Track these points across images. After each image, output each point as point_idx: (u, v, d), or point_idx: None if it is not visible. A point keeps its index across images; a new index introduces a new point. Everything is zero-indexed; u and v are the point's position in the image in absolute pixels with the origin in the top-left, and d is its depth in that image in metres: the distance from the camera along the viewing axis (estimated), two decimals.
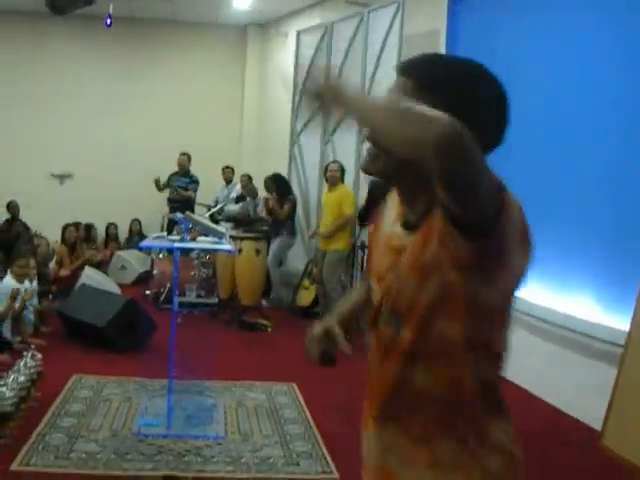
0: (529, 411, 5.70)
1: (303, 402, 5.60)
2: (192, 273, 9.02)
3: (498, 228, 1.35)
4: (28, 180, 11.92)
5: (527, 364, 6.12)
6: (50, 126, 12.32)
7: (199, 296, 9.00)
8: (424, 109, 1.30)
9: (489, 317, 1.49)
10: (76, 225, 9.86)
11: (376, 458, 1.78)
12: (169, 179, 10.75)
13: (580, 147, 5.71)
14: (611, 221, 5.36)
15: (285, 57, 11.23)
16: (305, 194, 10.26)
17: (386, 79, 8.31)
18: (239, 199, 10.21)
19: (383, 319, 1.65)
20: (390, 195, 1.78)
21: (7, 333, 6.45)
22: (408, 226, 1.59)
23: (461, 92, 1.49)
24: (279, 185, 9.35)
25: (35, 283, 7.23)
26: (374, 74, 8.68)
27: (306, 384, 6.02)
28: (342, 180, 8.52)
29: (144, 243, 5.60)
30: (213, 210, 9.78)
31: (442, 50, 7.76)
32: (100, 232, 12.01)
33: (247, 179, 10.43)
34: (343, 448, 4.68)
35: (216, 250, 7.37)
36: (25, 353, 5.12)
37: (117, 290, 8.78)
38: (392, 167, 1.55)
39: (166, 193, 10.82)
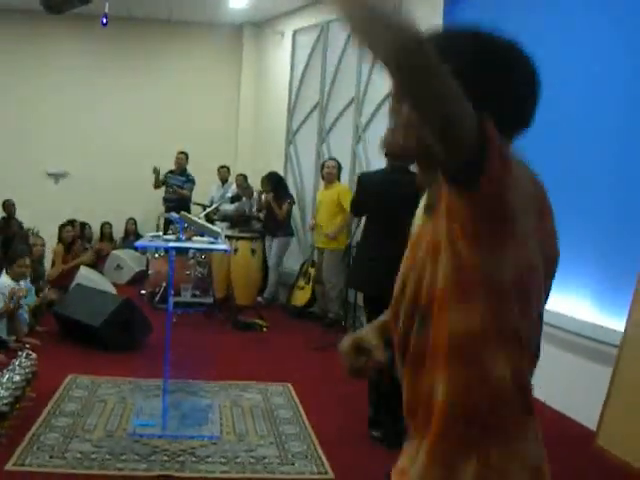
0: None
1: (298, 402, 5.60)
2: (187, 273, 9.01)
3: (490, 177, 1.21)
4: (23, 179, 11.89)
5: None
6: (45, 125, 12.29)
7: (194, 296, 8.99)
8: (395, 16, 1.14)
9: (507, 298, 1.32)
10: (72, 223, 9.83)
11: (402, 462, 1.56)
12: (166, 177, 10.74)
13: (577, 147, 5.71)
14: (606, 221, 5.37)
15: (281, 57, 11.23)
16: (301, 193, 10.27)
17: (382, 79, 8.31)
18: (235, 199, 10.21)
19: (401, 315, 1.50)
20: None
21: (2, 332, 6.44)
22: (428, 210, 1.50)
23: (492, 66, 1.39)
24: (276, 184, 9.35)
25: (29, 281, 7.22)
26: (370, 74, 8.68)
27: (301, 384, 6.02)
28: (338, 178, 8.53)
29: (140, 243, 5.59)
30: (209, 210, 9.76)
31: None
32: (95, 231, 12.00)
33: (243, 179, 10.43)
34: (338, 448, 4.69)
35: (212, 250, 7.37)
36: (20, 353, 5.12)
37: (112, 290, 8.78)
38: (410, 147, 1.44)
39: (161, 192, 10.81)
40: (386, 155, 1.56)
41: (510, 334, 1.34)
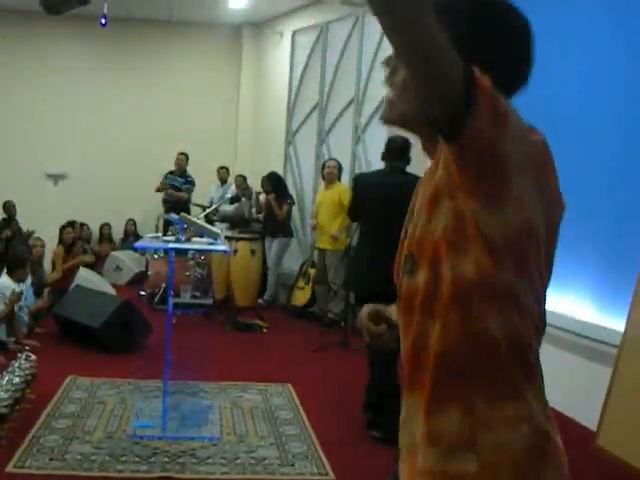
0: None
1: (299, 403, 5.59)
2: (187, 274, 9.00)
3: (479, 128, 1.18)
4: (22, 180, 11.89)
5: None
6: (44, 126, 12.29)
7: (194, 297, 8.98)
8: None
9: (504, 254, 1.29)
10: (72, 224, 9.83)
11: (402, 429, 1.52)
12: (165, 178, 10.74)
13: (577, 147, 5.70)
14: (606, 222, 5.37)
15: (280, 57, 11.23)
16: (300, 194, 10.27)
17: (382, 79, 8.30)
18: (234, 199, 10.21)
19: (403, 270, 1.49)
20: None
21: (2, 334, 6.44)
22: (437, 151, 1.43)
23: (490, 24, 1.40)
24: (275, 184, 9.35)
25: (29, 283, 7.22)
26: (369, 74, 8.68)
27: (301, 384, 6.02)
28: (339, 178, 8.52)
29: (139, 244, 5.59)
30: (208, 211, 9.75)
31: None
32: (94, 232, 11.99)
33: (242, 179, 10.42)
34: (339, 449, 4.69)
35: (211, 251, 7.37)
36: (19, 354, 5.11)
37: (112, 291, 8.78)
38: (408, 113, 1.44)
39: (161, 193, 10.81)
40: (385, 123, 1.54)
41: (505, 293, 1.32)
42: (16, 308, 6.58)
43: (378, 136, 7.20)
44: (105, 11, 9.19)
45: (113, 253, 11.22)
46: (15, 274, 6.80)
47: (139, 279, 10.42)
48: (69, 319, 6.98)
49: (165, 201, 10.64)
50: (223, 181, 11.11)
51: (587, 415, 5.04)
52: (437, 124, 1.23)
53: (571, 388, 5.57)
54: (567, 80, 5.89)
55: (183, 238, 5.32)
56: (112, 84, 12.45)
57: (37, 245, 8.51)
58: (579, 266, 5.58)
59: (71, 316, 6.97)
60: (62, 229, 9.43)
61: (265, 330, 8.17)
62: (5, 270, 6.87)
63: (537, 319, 1.40)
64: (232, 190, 10.59)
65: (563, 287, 5.77)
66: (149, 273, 9.33)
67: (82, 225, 11.30)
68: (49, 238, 9.15)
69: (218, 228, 7.29)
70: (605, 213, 5.38)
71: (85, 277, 8.76)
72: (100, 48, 12.29)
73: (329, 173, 8.44)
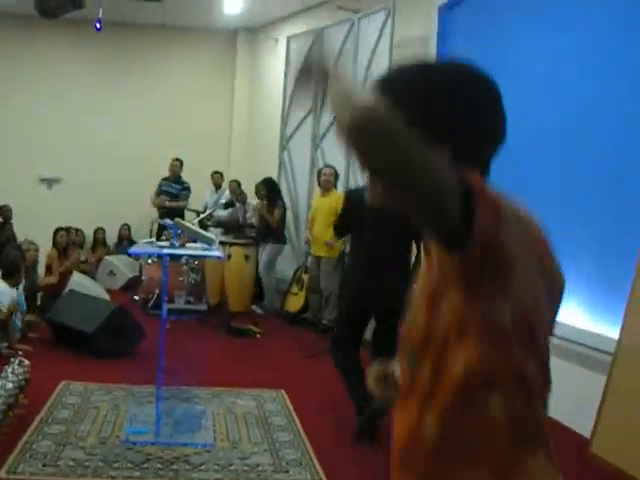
0: None
1: (292, 409, 5.58)
2: (181, 279, 9.00)
3: (481, 233, 1.19)
4: (16, 184, 11.87)
5: None
6: (38, 130, 12.28)
7: (188, 302, 8.98)
8: (363, 99, 1.17)
9: (508, 340, 1.29)
10: (67, 229, 9.81)
11: None
12: (160, 185, 10.72)
13: (571, 154, 5.72)
14: (600, 228, 5.37)
15: (275, 63, 11.24)
16: (294, 200, 10.26)
17: None
18: (228, 205, 10.20)
19: (404, 357, 1.49)
20: None
21: None
22: (427, 251, 1.42)
23: (443, 97, 1.36)
24: (270, 190, 9.35)
25: (22, 288, 7.19)
26: (365, 80, 8.68)
27: (295, 390, 6.01)
28: (335, 185, 8.50)
29: (133, 249, 5.59)
30: (202, 216, 9.74)
31: (433, 55, 7.77)
32: (88, 237, 11.97)
33: (236, 185, 10.43)
34: (333, 455, 4.68)
35: (205, 256, 7.36)
36: (12, 360, 5.09)
37: (105, 296, 8.75)
38: (393, 204, 1.36)
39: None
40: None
41: (511, 375, 1.31)
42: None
43: None
44: (100, 15, 9.21)
45: (107, 258, 11.21)
46: (10, 279, 6.78)
47: (133, 284, 10.40)
48: (62, 324, 6.96)
49: (159, 206, 10.61)
50: (217, 186, 11.10)
51: (581, 422, 5.04)
52: (437, 236, 1.24)
53: (565, 395, 5.56)
54: (565, 84, 5.90)
55: (177, 243, 5.31)
56: (107, 88, 12.45)
57: (31, 249, 8.49)
58: (573, 273, 5.56)
59: (64, 321, 6.95)
60: (55, 232, 9.41)
61: (259, 336, 8.17)
62: (0, 275, 6.85)
63: (543, 388, 1.40)
64: (226, 195, 10.58)
65: None
66: (143, 278, 9.32)
67: (76, 230, 11.28)
68: (42, 242, 9.13)
69: (212, 233, 7.28)
70: (600, 219, 5.38)
71: (79, 282, 8.73)
72: (96, 53, 12.30)
73: (325, 181, 8.41)
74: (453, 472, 1.33)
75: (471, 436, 1.32)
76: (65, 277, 8.93)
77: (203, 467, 4.36)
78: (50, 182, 12.55)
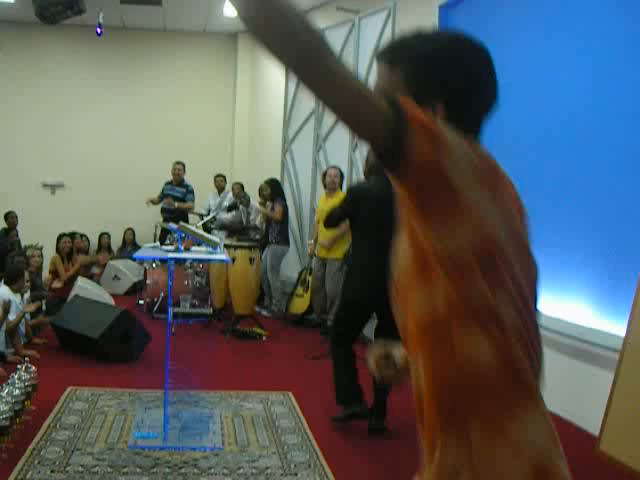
0: None
1: (300, 411, 5.58)
2: (186, 282, 9.00)
3: (419, 155, 1.22)
4: (19, 190, 11.90)
5: None
6: (41, 135, 12.30)
7: (193, 306, 8.98)
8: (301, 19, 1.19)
9: (471, 273, 1.29)
10: (71, 235, 9.83)
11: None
12: (163, 189, 10.73)
13: (574, 149, 5.71)
14: (605, 224, 5.36)
15: (276, 64, 11.21)
16: (298, 202, 10.25)
17: None
18: (231, 207, 10.20)
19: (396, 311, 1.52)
20: None
21: (1, 345, 6.42)
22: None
23: (441, 63, 1.44)
24: (273, 189, 9.37)
25: (28, 294, 7.20)
26: (366, 80, 8.66)
27: (302, 392, 6.01)
28: (340, 186, 8.48)
29: (138, 254, 5.57)
30: (206, 219, 9.77)
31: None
32: (93, 242, 11.98)
33: (239, 187, 10.42)
34: (341, 457, 4.67)
35: (211, 260, 7.35)
36: (19, 366, 5.09)
37: (110, 301, 8.75)
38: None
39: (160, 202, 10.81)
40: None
41: (483, 311, 1.31)
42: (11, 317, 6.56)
43: None
44: (101, 20, 9.22)
45: (111, 262, 11.21)
46: (14, 285, 6.78)
47: (138, 288, 10.41)
48: (68, 330, 6.95)
49: (164, 210, 10.62)
50: (220, 189, 11.09)
51: (589, 420, 5.04)
52: (385, 162, 1.27)
53: (573, 393, 5.56)
54: (562, 83, 5.89)
55: (182, 247, 5.31)
56: (109, 93, 12.47)
57: (35, 256, 8.50)
58: (578, 270, 5.58)
59: (70, 326, 6.95)
60: (59, 238, 9.43)
61: (265, 338, 8.16)
62: (3, 281, 6.86)
63: (524, 332, 1.36)
64: (229, 198, 10.58)
65: (562, 291, 5.76)
66: (147, 282, 9.31)
67: (81, 236, 11.29)
68: (46, 248, 9.14)
69: (217, 236, 7.28)
70: (604, 215, 5.37)
71: (83, 287, 8.74)
72: (96, 57, 12.33)
73: (331, 182, 8.37)
74: (449, 424, 1.35)
75: (459, 385, 1.33)
76: (70, 283, 8.95)
77: (212, 471, 4.35)
78: (53, 187, 12.56)
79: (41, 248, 8.94)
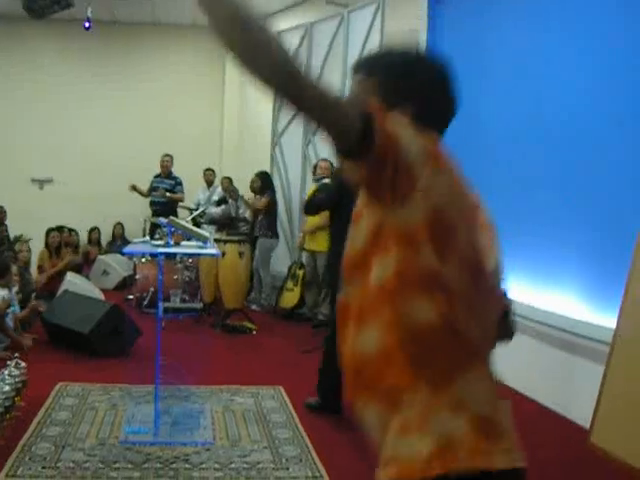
0: (515, 409, 5.69)
1: (291, 405, 5.58)
2: (175, 277, 8.98)
3: (379, 146, 1.37)
4: (7, 185, 11.83)
5: (511, 362, 6.13)
6: (29, 130, 12.25)
7: (184, 301, 8.96)
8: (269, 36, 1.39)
9: (422, 243, 1.45)
10: (59, 229, 9.78)
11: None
12: (152, 182, 10.71)
13: (565, 144, 5.71)
14: (596, 218, 5.37)
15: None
16: (287, 195, 10.24)
17: None
18: (221, 202, 10.19)
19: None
20: None
21: None
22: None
23: (399, 75, 1.67)
24: (263, 182, 9.35)
25: (15, 289, 7.17)
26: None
27: (293, 387, 6.01)
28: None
29: (127, 249, 5.55)
30: (195, 214, 9.75)
31: (423, 49, 7.76)
32: (82, 236, 11.93)
33: (228, 181, 10.40)
34: (332, 451, 4.67)
35: (201, 254, 7.34)
36: (9, 362, 5.06)
37: (100, 295, 8.72)
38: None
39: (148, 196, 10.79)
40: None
41: (430, 278, 1.46)
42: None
43: None
44: (89, 15, 9.18)
45: (100, 257, 11.17)
46: (1, 279, 6.75)
47: (127, 283, 10.39)
48: (58, 325, 6.92)
49: (153, 203, 10.60)
50: (209, 183, 11.08)
51: (580, 412, 5.05)
52: (349, 154, 1.42)
53: (563, 385, 5.58)
54: (552, 78, 5.89)
55: (172, 242, 5.29)
56: (97, 87, 12.42)
57: (23, 250, 8.46)
58: (568, 263, 5.59)
59: (60, 322, 6.92)
60: (48, 233, 9.39)
61: (254, 332, 8.16)
62: None
63: (474, 298, 1.53)
64: (219, 192, 10.57)
65: (552, 284, 5.78)
66: (137, 277, 9.28)
67: (70, 231, 11.24)
68: (35, 243, 9.10)
69: (206, 231, 7.26)
70: (595, 208, 5.38)
71: (73, 282, 8.70)
72: (85, 51, 12.27)
73: (322, 174, 8.35)
74: (397, 383, 1.50)
75: (409, 346, 1.48)
76: (59, 277, 8.91)
77: (203, 466, 4.34)
78: (42, 183, 12.52)
79: (28, 241, 8.89)
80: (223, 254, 8.25)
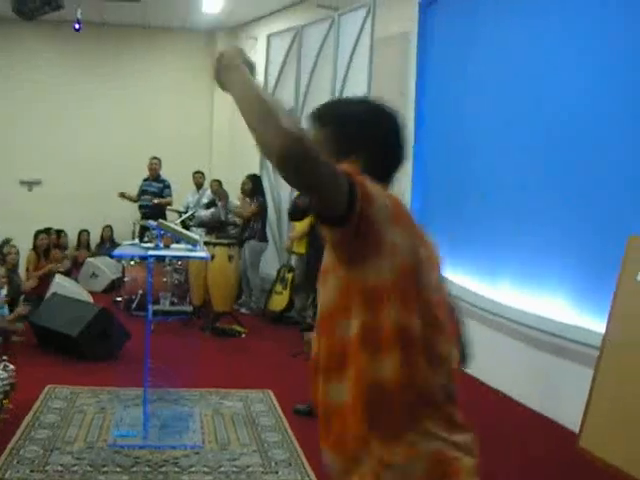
0: (504, 413, 5.71)
1: (280, 409, 5.57)
2: (164, 280, 8.95)
3: (357, 214, 1.47)
4: None
5: (501, 367, 6.15)
6: (18, 132, 12.19)
7: (173, 303, 8.94)
8: (283, 114, 1.45)
9: (386, 299, 1.55)
10: (47, 231, 9.74)
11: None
12: (141, 186, 10.70)
13: (554, 148, 5.72)
14: (585, 221, 5.38)
15: (255, 61, 11.16)
16: (277, 198, 10.24)
17: (357, 83, 8.30)
18: (210, 204, 10.17)
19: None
20: None
21: None
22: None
23: (353, 125, 1.77)
24: (254, 185, 9.34)
25: (4, 291, 7.14)
26: (345, 78, 8.67)
27: (282, 390, 6.00)
28: None
29: (117, 251, 5.53)
30: (185, 216, 9.72)
31: (413, 53, 7.79)
32: (72, 239, 11.89)
33: (218, 184, 10.38)
34: (321, 455, 4.66)
35: (191, 257, 7.32)
36: None
37: (88, 298, 8.69)
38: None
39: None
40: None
41: (394, 334, 1.55)
42: None
43: None
44: (79, 16, 9.15)
45: (89, 260, 11.13)
46: None
47: (116, 286, 10.35)
48: (46, 327, 6.89)
49: (142, 206, 10.58)
50: (199, 186, 11.04)
51: (569, 416, 5.06)
52: (327, 221, 1.53)
53: (552, 390, 5.59)
54: (541, 84, 5.90)
55: (161, 244, 5.28)
56: (87, 90, 12.37)
57: (11, 252, 8.41)
58: (557, 267, 5.60)
59: (48, 325, 6.89)
60: (36, 235, 9.35)
61: (243, 335, 8.15)
62: None
63: (435, 345, 1.62)
64: (208, 195, 10.55)
65: (541, 288, 5.79)
66: (125, 279, 9.26)
67: (59, 232, 11.20)
68: (24, 245, 9.06)
69: (196, 234, 7.25)
70: (584, 213, 5.39)
71: (61, 284, 8.67)
72: (75, 54, 12.24)
73: None
74: (355, 436, 1.59)
75: (367, 399, 1.56)
76: (47, 279, 8.87)
77: (193, 469, 4.34)
78: (30, 184, 12.47)
79: (9, 241, 8.84)
80: (212, 257, 8.24)
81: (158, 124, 12.45)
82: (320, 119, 1.82)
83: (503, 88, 6.43)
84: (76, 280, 10.20)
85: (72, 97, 12.31)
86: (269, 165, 10.18)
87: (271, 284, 9.32)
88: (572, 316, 5.41)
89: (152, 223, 5.74)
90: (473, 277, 6.75)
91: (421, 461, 1.56)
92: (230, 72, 1.75)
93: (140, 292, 8.84)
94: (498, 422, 5.48)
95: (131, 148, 12.10)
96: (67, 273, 9.94)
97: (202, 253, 5.26)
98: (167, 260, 8.93)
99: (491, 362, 6.27)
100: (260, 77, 10.55)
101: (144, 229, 9.44)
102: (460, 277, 6.88)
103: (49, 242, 9.60)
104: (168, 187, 10.68)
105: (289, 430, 5.11)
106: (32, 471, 4.15)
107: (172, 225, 5.68)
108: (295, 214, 5.76)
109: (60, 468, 4.22)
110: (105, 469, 4.26)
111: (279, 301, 9.03)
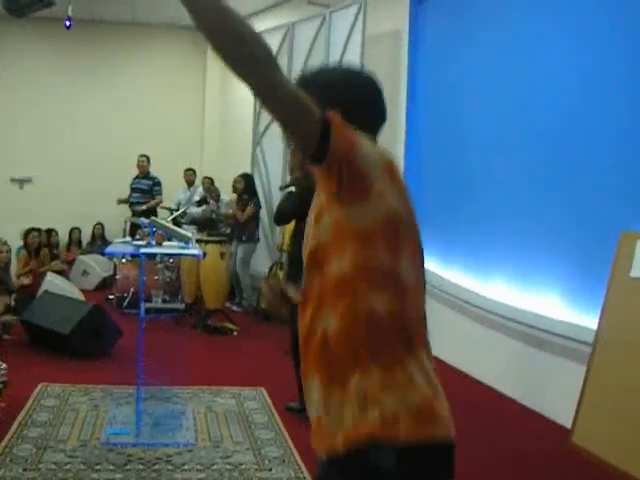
0: (498, 410, 5.73)
1: (272, 406, 5.57)
2: (156, 277, 8.94)
3: (336, 157, 1.55)
4: None
5: (493, 362, 6.16)
6: (8, 130, 12.16)
7: (165, 301, 8.92)
8: (249, 29, 1.58)
9: (377, 241, 1.64)
10: (38, 230, 9.72)
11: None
12: (131, 184, 10.69)
13: (547, 147, 5.73)
14: (577, 219, 5.39)
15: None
16: (268, 196, 10.22)
17: None
18: (201, 202, 10.15)
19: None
20: None
21: None
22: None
23: (334, 84, 1.86)
24: (247, 185, 9.33)
25: None
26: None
27: (275, 387, 5.99)
28: None
29: (109, 249, 5.53)
30: (176, 214, 9.70)
31: (404, 50, 7.80)
32: (63, 237, 11.86)
33: (209, 182, 10.38)
34: (315, 452, 4.66)
35: (183, 255, 7.31)
36: None
37: (80, 296, 8.67)
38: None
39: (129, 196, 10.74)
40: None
41: (385, 274, 1.66)
42: None
43: None
44: (70, 13, 9.12)
45: (80, 257, 11.11)
46: None
47: (107, 283, 10.33)
48: (38, 325, 6.88)
49: (133, 204, 10.56)
50: (190, 184, 11.03)
51: (562, 413, 5.07)
52: (310, 157, 1.59)
53: (544, 386, 5.61)
54: (532, 81, 5.91)
55: (154, 242, 5.27)
56: (78, 87, 12.36)
57: (3, 251, 8.39)
58: (550, 264, 5.61)
59: (40, 323, 6.87)
60: (27, 233, 9.33)
61: (235, 333, 8.15)
62: None
63: (416, 292, 1.75)
64: (199, 192, 10.54)
65: (534, 285, 5.80)
66: (117, 277, 9.24)
67: (50, 231, 11.17)
68: (15, 244, 9.04)
69: (187, 231, 7.24)
70: (576, 210, 5.40)
71: (53, 282, 8.64)
72: (65, 51, 12.21)
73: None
74: (349, 363, 1.65)
75: (361, 334, 1.64)
76: (39, 278, 8.85)
77: (186, 467, 4.33)
78: (21, 182, 12.43)
79: (0, 239, 8.81)
80: (204, 254, 8.23)
81: (149, 121, 12.44)
82: (301, 88, 1.81)
83: (495, 86, 6.44)
84: (68, 278, 10.18)
85: (62, 94, 12.29)
86: (260, 163, 10.19)
87: (262, 282, 9.30)
88: (565, 313, 5.43)
89: (144, 221, 5.73)
90: (467, 275, 6.76)
91: (410, 398, 1.63)
92: None
93: (132, 290, 8.82)
94: (490, 418, 5.49)
95: (122, 146, 12.08)
96: (59, 271, 9.93)
97: (194, 251, 5.25)
98: (159, 258, 8.91)
99: (484, 359, 6.29)
100: None
101: (135, 227, 9.43)
102: (453, 275, 6.89)
103: (40, 241, 9.58)
104: (158, 184, 10.66)
105: (282, 427, 5.11)
106: (25, 470, 4.14)
107: (164, 222, 5.67)
108: (280, 218, 5.76)
109: (53, 466, 4.21)
110: (98, 467, 4.25)
111: None
